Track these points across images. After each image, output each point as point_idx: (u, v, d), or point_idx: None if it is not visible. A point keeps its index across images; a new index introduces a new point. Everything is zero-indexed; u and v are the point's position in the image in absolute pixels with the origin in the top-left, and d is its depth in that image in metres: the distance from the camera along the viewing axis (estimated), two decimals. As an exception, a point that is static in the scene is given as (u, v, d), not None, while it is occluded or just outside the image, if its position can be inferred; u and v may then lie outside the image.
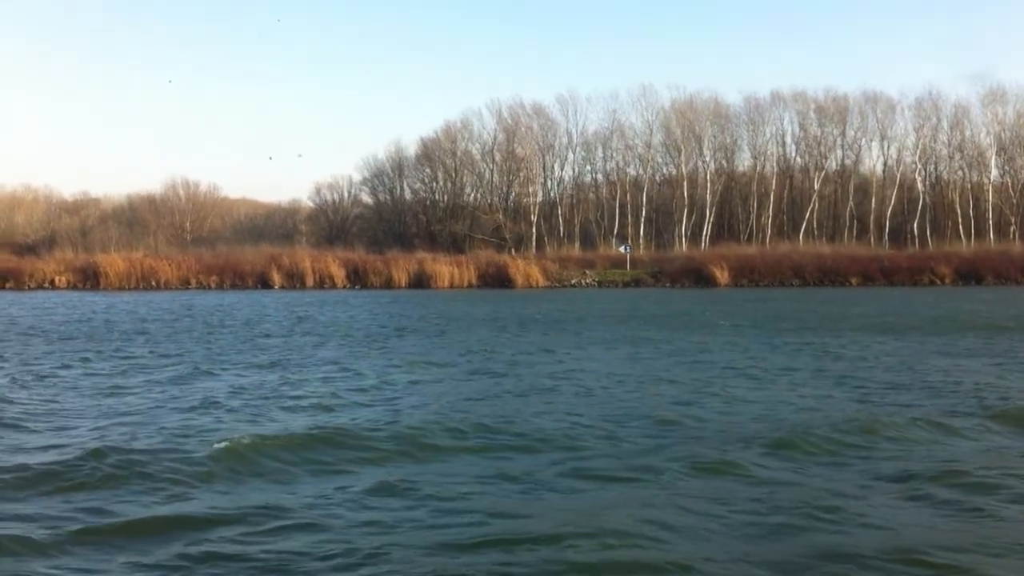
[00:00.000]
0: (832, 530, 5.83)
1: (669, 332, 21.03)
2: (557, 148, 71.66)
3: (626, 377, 13.13)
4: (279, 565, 5.28)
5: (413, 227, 74.50)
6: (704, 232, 66.76)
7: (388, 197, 76.36)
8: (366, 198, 79.32)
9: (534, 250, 64.79)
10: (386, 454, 8.15)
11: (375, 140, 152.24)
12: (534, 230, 68.01)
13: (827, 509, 6.19)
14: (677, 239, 66.95)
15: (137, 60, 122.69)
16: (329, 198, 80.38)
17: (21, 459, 7.71)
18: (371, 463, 7.85)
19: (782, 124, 69.58)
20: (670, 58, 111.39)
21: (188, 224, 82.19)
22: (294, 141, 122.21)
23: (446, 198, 73.31)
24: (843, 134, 68.65)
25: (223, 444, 8.10)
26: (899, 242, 64.69)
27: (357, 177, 78.84)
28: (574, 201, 71.34)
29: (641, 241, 65.38)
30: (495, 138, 71.74)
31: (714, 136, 69.81)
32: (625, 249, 55.58)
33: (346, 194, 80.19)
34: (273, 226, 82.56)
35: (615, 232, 67.43)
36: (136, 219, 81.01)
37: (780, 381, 12.60)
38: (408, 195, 75.61)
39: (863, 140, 68.97)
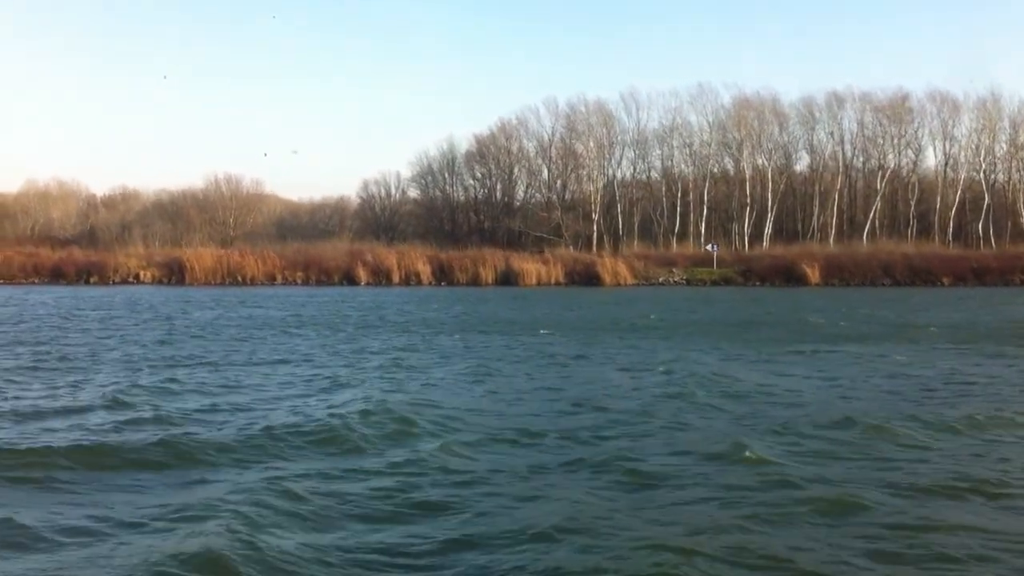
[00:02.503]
0: None
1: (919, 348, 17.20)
2: (615, 145, 71.41)
3: None
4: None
5: (464, 225, 73.95)
6: (765, 231, 66.62)
7: (439, 194, 75.72)
8: (413, 194, 78.72)
9: (594, 248, 64.44)
10: None
11: (418, 140, 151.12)
12: (595, 227, 67.55)
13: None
14: (737, 237, 66.79)
15: (145, 56, 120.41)
16: (376, 193, 79.60)
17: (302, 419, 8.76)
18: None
19: (841, 124, 69.57)
20: (727, 58, 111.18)
21: (232, 220, 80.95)
22: (331, 140, 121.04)
23: (500, 195, 72.87)
24: (903, 134, 68.74)
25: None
26: (960, 241, 64.89)
27: (406, 174, 78.21)
28: (632, 199, 70.96)
29: (702, 238, 65.08)
30: (552, 135, 71.43)
31: (772, 135, 69.70)
32: (712, 248, 55.36)
33: (393, 189, 79.49)
34: (318, 222, 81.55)
35: (675, 230, 67.19)
36: (178, 214, 79.69)
37: None
38: (460, 192, 75.11)
39: (924, 140, 69.19)
